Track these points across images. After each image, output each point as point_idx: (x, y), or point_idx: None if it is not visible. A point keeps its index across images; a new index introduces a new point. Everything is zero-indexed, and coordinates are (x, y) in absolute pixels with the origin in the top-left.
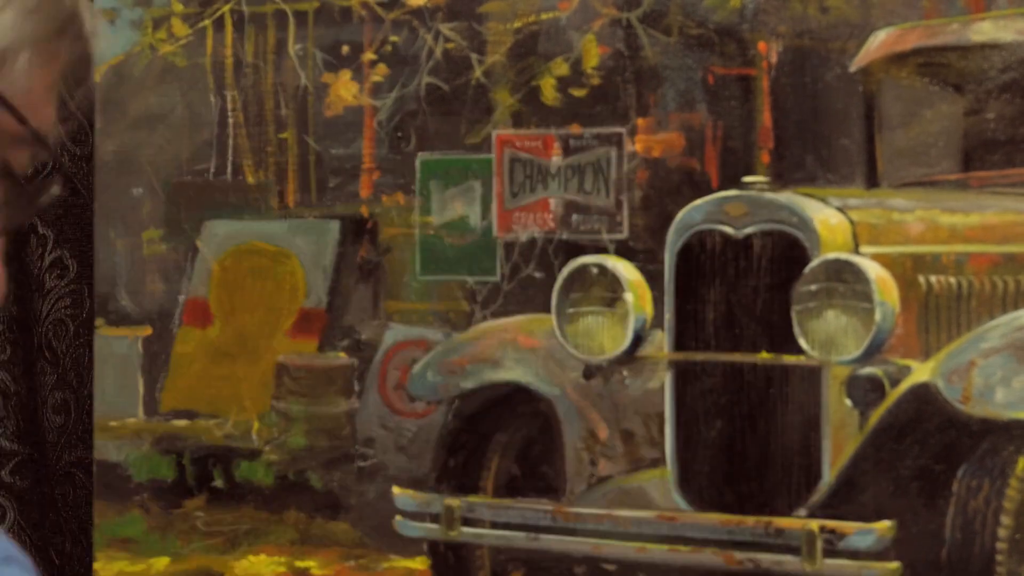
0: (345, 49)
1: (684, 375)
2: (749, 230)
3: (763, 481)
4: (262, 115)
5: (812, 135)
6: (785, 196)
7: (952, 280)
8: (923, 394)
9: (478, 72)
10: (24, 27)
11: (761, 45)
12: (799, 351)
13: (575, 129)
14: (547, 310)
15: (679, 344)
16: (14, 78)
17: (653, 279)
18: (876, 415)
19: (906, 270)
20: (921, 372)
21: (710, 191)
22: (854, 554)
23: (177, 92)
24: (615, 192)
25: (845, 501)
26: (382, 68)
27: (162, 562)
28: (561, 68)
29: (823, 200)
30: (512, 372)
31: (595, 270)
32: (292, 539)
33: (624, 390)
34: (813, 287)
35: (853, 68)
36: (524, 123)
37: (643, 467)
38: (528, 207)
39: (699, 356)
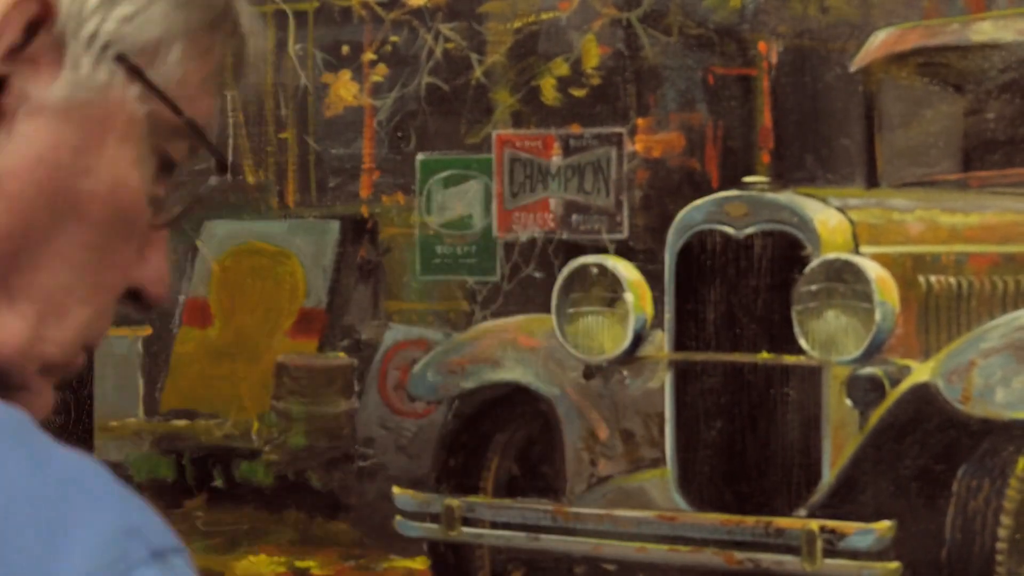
0: (345, 49)
1: (684, 375)
2: (750, 230)
3: (763, 481)
4: (262, 115)
5: (812, 135)
6: (785, 196)
7: (952, 280)
8: (923, 394)
9: (478, 72)
10: (176, 18)
11: (761, 45)
12: (799, 351)
13: (575, 129)
14: (547, 310)
15: (679, 344)
16: (168, 69)
17: (653, 279)
18: (876, 415)
19: (906, 270)
20: (921, 372)
21: (710, 191)
22: (854, 554)
23: None
24: (615, 192)
25: (845, 501)
26: (382, 68)
27: None
28: (561, 68)
29: (823, 200)
30: (512, 372)
31: (595, 270)
32: (292, 539)
33: (624, 390)
34: (813, 287)
35: (853, 68)
36: (524, 123)
37: (643, 467)
38: (528, 207)
39: (699, 356)
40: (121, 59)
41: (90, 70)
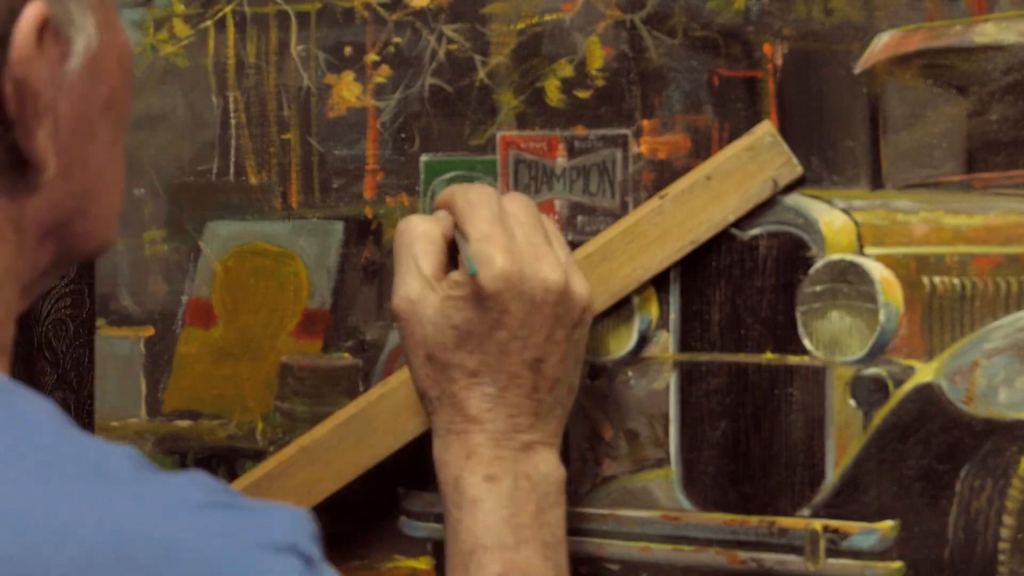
0: (348, 50)
1: (689, 376)
2: (754, 231)
3: (767, 481)
4: (265, 116)
5: (817, 137)
6: (791, 197)
7: (956, 281)
8: (926, 394)
9: (482, 73)
10: None
11: (766, 47)
12: (804, 352)
13: (580, 131)
14: None
15: (684, 345)
16: None
17: (658, 280)
18: (880, 415)
19: (910, 271)
20: (924, 373)
21: None
22: (857, 554)
23: (179, 93)
24: (621, 194)
25: (848, 501)
26: (385, 69)
27: None
28: (565, 70)
29: (828, 202)
30: None
31: None
32: None
33: (629, 390)
34: (818, 288)
35: (857, 70)
36: (528, 124)
37: (647, 467)
38: None
39: (704, 357)
40: None
41: (93, 30)
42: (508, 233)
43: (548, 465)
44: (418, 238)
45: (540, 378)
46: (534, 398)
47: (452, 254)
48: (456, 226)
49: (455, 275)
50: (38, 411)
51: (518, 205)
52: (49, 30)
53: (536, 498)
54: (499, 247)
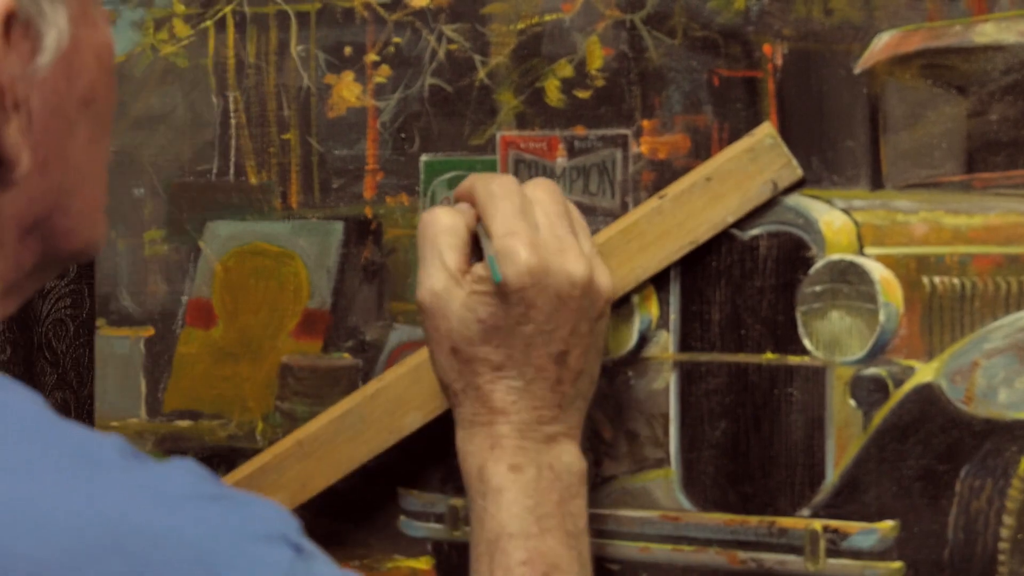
0: (348, 50)
1: (689, 376)
2: (755, 231)
3: (767, 481)
4: (264, 116)
5: (817, 137)
6: (791, 197)
7: (956, 281)
8: (926, 394)
9: (481, 73)
10: None
11: (766, 47)
12: (804, 352)
13: (579, 131)
14: None
15: (684, 345)
16: None
17: (658, 280)
18: (880, 415)
19: (910, 271)
20: (924, 373)
21: None
22: (857, 554)
23: (179, 93)
24: (621, 194)
25: (848, 501)
26: (385, 69)
27: None
28: (565, 70)
29: (828, 202)
30: None
31: None
32: None
33: (629, 390)
34: (818, 288)
35: (857, 70)
36: (528, 124)
37: (647, 467)
38: None
39: (704, 357)
40: None
41: (65, 24)
42: (532, 225)
43: (570, 456)
44: (442, 231)
45: (564, 371)
46: (558, 391)
47: (476, 246)
48: (478, 220)
49: (479, 269)
50: (24, 402)
51: (543, 191)
52: (17, 25)
53: (559, 488)
54: (523, 242)
